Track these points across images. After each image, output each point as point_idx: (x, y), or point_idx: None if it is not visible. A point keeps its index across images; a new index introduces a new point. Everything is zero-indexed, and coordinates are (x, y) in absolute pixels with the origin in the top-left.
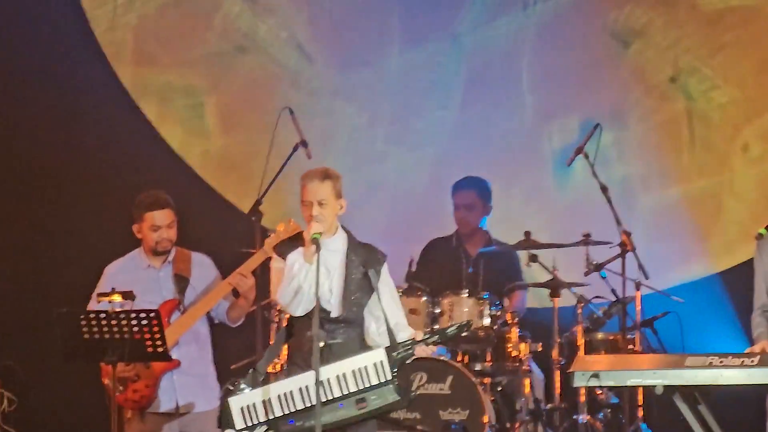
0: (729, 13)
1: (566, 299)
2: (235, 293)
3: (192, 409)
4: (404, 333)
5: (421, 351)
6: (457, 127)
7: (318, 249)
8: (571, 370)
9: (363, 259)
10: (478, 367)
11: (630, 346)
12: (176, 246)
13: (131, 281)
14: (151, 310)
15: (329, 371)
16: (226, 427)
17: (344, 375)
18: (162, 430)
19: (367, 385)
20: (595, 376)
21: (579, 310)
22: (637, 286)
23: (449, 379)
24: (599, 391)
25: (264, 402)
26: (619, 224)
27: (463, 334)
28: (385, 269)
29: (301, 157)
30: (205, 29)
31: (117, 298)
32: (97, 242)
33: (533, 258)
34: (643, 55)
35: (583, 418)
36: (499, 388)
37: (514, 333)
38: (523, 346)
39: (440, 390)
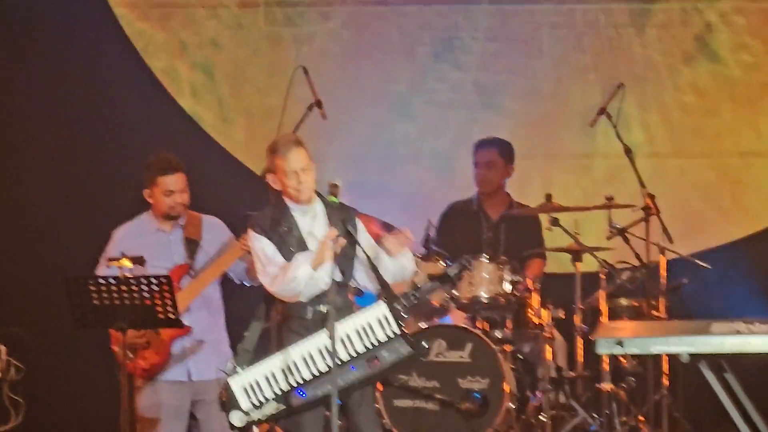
0: None
1: (589, 264)
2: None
3: (204, 377)
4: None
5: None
6: (477, 88)
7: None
8: (594, 337)
9: (341, 217)
10: (498, 334)
11: (654, 313)
12: (187, 209)
13: (140, 246)
14: (162, 276)
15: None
16: (231, 409)
17: (348, 336)
18: (174, 398)
19: (375, 344)
20: (619, 343)
21: (602, 276)
22: (662, 250)
23: (469, 346)
24: (623, 359)
25: (267, 377)
26: (643, 187)
27: (464, 272)
28: (357, 219)
29: (316, 118)
30: None
31: (127, 263)
32: (107, 206)
33: (555, 221)
34: (668, 14)
35: (607, 386)
36: (520, 356)
37: (535, 299)
38: (544, 312)
39: (460, 358)
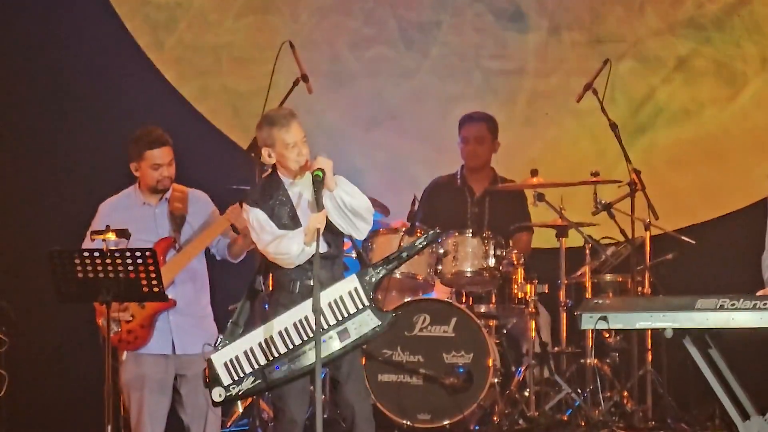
0: None
1: (573, 240)
2: (235, 229)
3: (188, 351)
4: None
5: None
6: (464, 62)
7: (320, 186)
8: (578, 312)
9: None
10: (482, 309)
11: (639, 288)
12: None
13: (126, 219)
14: (146, 249)
15: (306, 308)
16: (213, 385)
17: (321, 309)
18: (157, 371)
19: (346, 315)
20: (603, 318)
21: (587, 251)
22: (647, 226)
23: (453, 321)
24: (607, 334)
25: (246, 352)
26: (629, 162)
27: (436, 242)
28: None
29: (302, 92)
30: None
31: (111, 236)
32: (91, 179)
33: (540, 197)
34: None
35: (591, 361)
36: (505, 331)
37: (520, 274)
38: (529, 287)
39: (444, 332)
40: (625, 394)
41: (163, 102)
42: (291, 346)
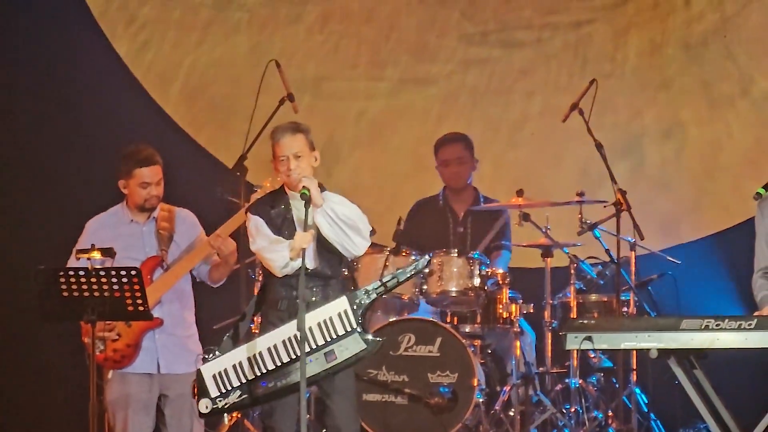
0: None
1: (559, 260)
2: (218, 253)
3: (173, 370)
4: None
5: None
6: (449, 83)
7: (308, 205)
8: (562, 332)
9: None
10: (467, 328)
11: (624, 309)
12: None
13: (114, 237)
14: (131, 268)
15: (295, 326)
16: (201, 396)
17: (310, 329)
18: (142, 390)
19: (334, 337)
20: (588, 338)
21: (572, 271)
22: (632, 246)
23: (438, 340)
24: (592, 355)
25: (234, 366)
26: (614, 182)
27: (426, 270)
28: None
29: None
30: None
31: (96, 255)
32: (78, 196)
33: (525, 217)
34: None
35: (576, 381)
36: (489, 351)
37: (505, 294)
38: (513, 307)
39: (429, 352)
40: (610, 414)
41: (152, 120)
42: (279, 363)
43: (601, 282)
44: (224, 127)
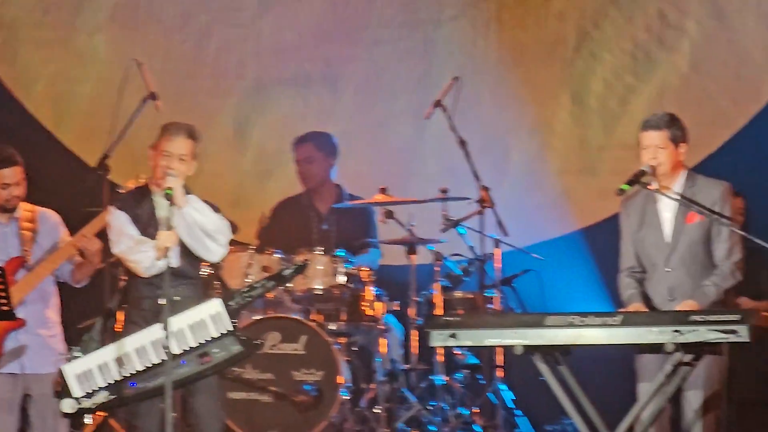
0: None
1: (424, 256)
2: (81, 253)
3: (37, 370)
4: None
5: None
6: (311, 81)
7: (172, 204)
8: (427, 329)
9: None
10: (333, 326)
11: (489, 305)
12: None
13: None
14: None
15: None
16: (63, 396)
17: (182, 330)
18: (5, 391)
19: (208, 339)
20: (453, 335)
21: (436, 268)
22: (497, 243)
23: (303, 338)
24: (458, 351)
25: (100, 366)
26: (478, 179)
27: (300, 274)
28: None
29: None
30: None
31: None
32: None
33: (389, 214)
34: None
35: (441, 378)
36: (355, 348)
37: (369, 291)
38: (378, 304)
39: (294, 350)
40: (476, 410)
41: (14, 117)
42: (149, 365)
43: (467, 279)
44: (88, 127)
